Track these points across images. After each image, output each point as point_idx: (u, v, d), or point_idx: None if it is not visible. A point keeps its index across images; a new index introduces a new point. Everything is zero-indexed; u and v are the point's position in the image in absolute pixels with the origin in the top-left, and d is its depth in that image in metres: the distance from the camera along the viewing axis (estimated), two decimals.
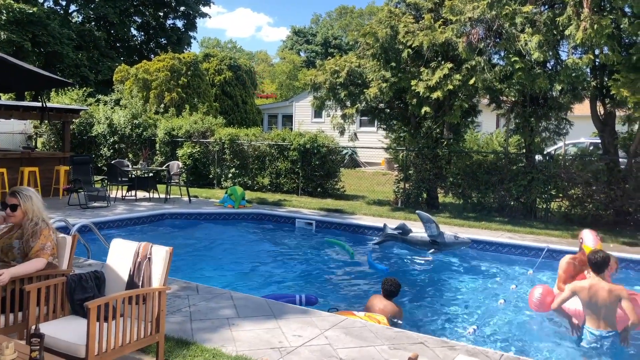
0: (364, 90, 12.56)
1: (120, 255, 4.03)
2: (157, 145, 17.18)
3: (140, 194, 13.51)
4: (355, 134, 14.17)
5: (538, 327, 6.17)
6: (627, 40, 10.08)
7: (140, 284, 3.85)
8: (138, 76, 23.64)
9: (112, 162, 14.06)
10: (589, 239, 6.30)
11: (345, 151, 19.06)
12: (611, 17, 9.18)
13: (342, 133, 13.60)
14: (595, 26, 9.02)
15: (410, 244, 9.49)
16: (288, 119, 30.62)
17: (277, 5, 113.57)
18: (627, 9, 9.65)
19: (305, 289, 7.51)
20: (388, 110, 13.91)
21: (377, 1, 59.67)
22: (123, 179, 13.07)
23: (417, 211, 9.73)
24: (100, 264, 6.20)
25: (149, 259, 3.87)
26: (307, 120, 27.01)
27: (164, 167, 14.44)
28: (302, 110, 28.31)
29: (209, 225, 11.39)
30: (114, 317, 3.43)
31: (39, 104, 12.96)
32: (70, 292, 3.81)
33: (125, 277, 3.95)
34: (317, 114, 25.97)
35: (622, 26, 9.42)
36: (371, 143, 18.34)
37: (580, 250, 6.30)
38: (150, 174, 14.37)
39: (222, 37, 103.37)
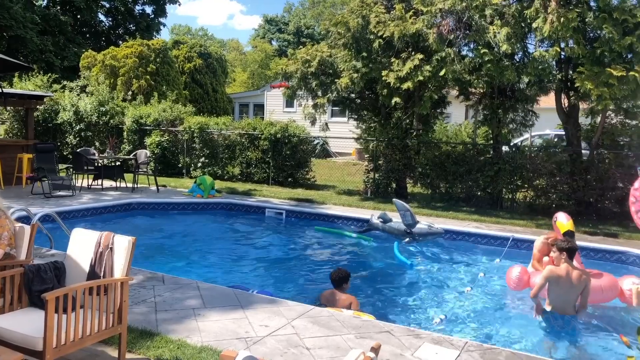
0: (336, 80, 12.52)
1: (81, 245, 3.93)
2: (125, 133, 16.83)
3: (107, 183, 13.22)
4: (326, 124, 14.16)
5: (504, 314, 6.30)
6: (591, 34, 10.28)
7: (102, 274, 3.76)
8: (105, 62, 23.07)
9: (78, 150, 13.71)
10: (562, 217, 6.85)
11: (316, 141, 19.02)
12: (577, 10, 9.34)
13: (313, 123, 13.59)
14: (562, 19, 9.19)
15: (389, 232, 9.65)
16: (259, 108, 30.37)
17: None
18: (592, 3, 9.84)
19: (278, 280, 7.50)
20: (359, 101, 13.93)
21: None
22: (89, 168, 12.76)
23: (393, 199, 9.83)
24: (63, 255, 6.05)
25: (111, 249, 3.79)
26: (278, 109, 26.85)
27: (131, 156, 14.16)
28: (273, 100, 28.12)
29: (177, 215, 11.24)
30: (73, 309, 3.35)
31: None
32: (28, 283, 3.70)
33: (87, 268, 3.86)
34: (289, 103, 25.82)
35: (587, 20, 9.60)
36: (342, 133, 18.35)
37: (555, 230, 6.85)
38: (117, 163, 14.06)
39: (193, 25, 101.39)
